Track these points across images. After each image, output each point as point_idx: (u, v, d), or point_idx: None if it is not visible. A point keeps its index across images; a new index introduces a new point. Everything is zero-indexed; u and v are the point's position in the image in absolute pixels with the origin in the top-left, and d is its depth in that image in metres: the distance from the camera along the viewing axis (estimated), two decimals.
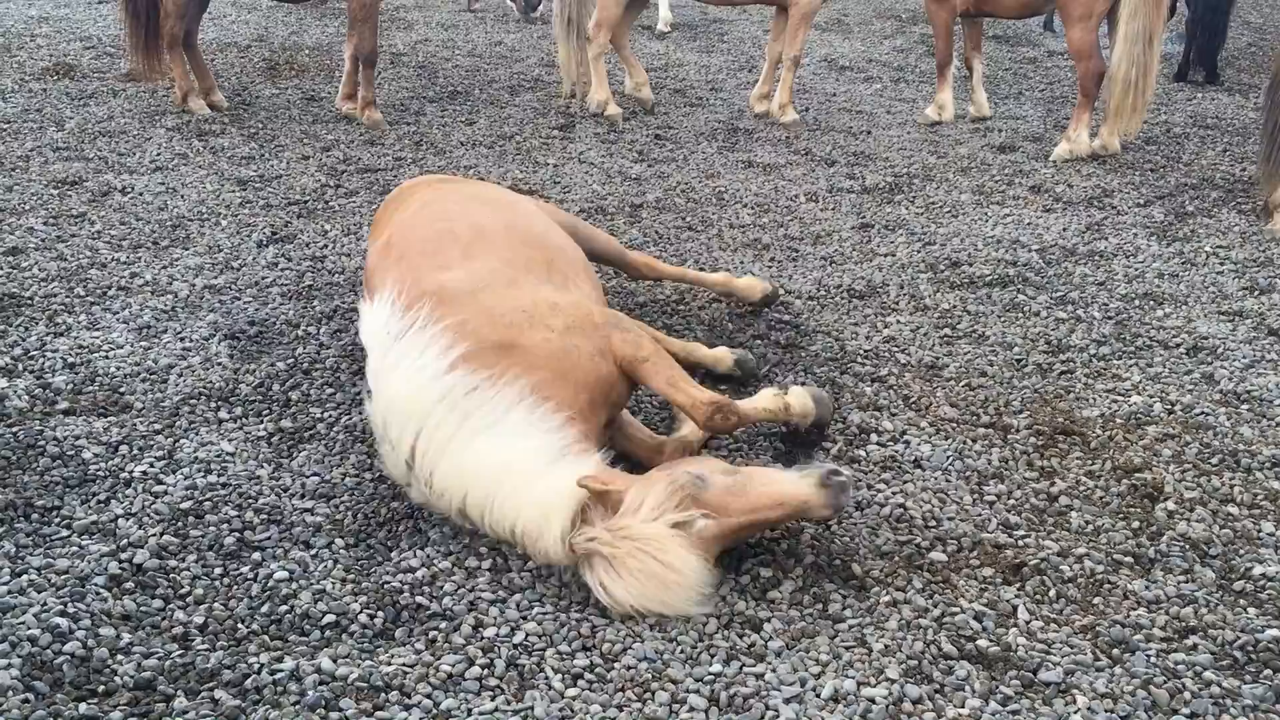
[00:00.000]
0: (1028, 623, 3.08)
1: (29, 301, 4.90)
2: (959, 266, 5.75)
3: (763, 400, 3.76)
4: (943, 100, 8.63)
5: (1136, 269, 5.74)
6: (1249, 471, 3.87)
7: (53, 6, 11.88)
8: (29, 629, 2.85)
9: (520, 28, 11.74)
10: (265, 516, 3.46)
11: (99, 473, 3.62)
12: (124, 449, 3.77)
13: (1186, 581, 3.28)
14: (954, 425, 4.16)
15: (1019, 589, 3.23)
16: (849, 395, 4.35)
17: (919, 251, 5.96)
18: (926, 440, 4.04)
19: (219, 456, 3.77)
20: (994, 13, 8.33)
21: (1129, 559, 3.38)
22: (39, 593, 3.01)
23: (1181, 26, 10.35)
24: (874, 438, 4.05)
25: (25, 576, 3.08)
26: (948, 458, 3.92)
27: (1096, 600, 3.19)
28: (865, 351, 4.76)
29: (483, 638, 2.96)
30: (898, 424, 4.15)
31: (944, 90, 8.62)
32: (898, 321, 5.08)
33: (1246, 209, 6.68)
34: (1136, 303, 5.31)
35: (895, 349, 4.81)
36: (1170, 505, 3.65)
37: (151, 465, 3.68)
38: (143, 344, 4.55)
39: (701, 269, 5.43)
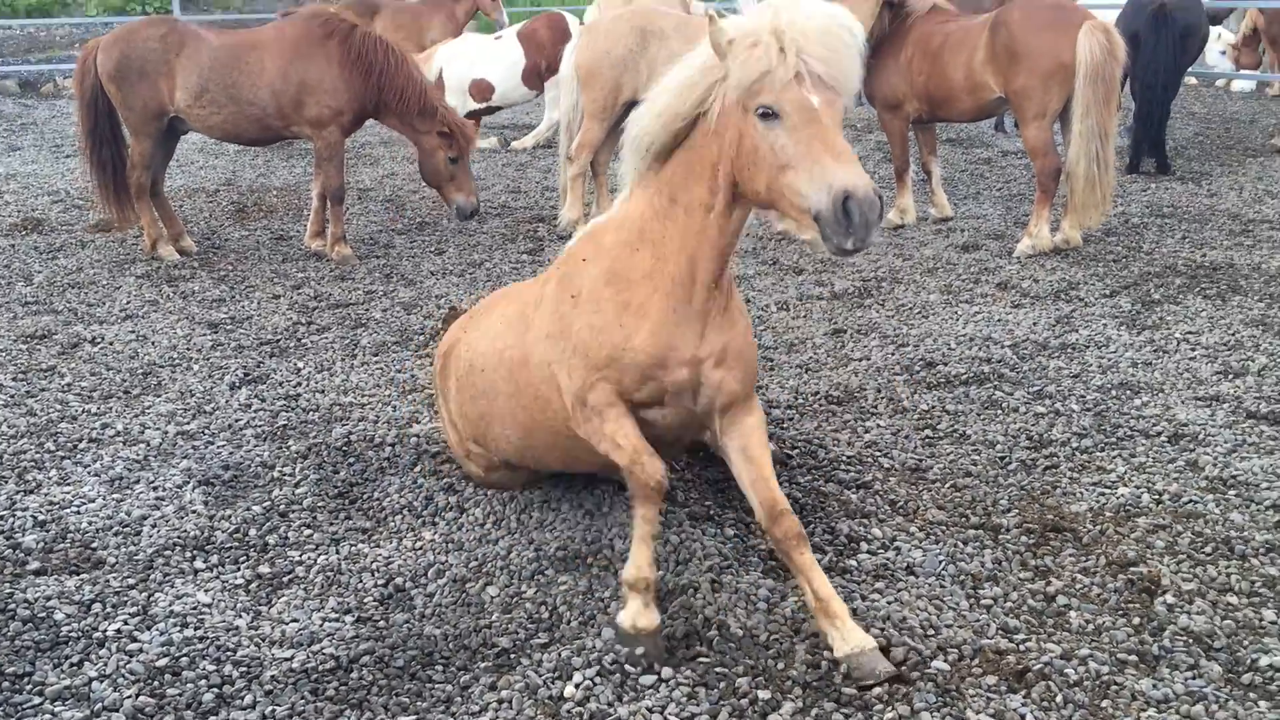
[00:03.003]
0: None
1: None
2: (934, 366, 5.76)
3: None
4: (904, 204, 8.78)
5: (1110, 359, 5.77)
6: (1244, 559, 3.83)
7: (20, 163, 12.02)
8: None
9: (485, 157, 11.94)
10: (244, 669, 3.35)
11: (71, 634, 3.51)
12: (97, 607, 3.66)
13: (1194, 677, 3.21)
14: (944, 528, 4.11)
15: (1025, 696, 3.15)
16: (835, 504, 4.30)
17: (893, 354, 5.98)
18: (917, 545, 3.98)
19: (195, 608, 3.66)
20: (947, 117, 8.53)
21: (1133, 657, 3.31)
22: None
23: (1129, 120, 10.64)
24: (864, 546, 3.99)
25: None
26: (940, 562, 3.86)
27: (1105, 703, 3.11)
28: (848, 458, 4.73)
29: None
30: (887, 530, 4.09)
31: (904, 194, 8.78)
32: (878, 425, 5.07)
33: (1212, 294, 6.77)
34: (1113, 393, 5.33)
35: (878, 453, 4.78)
36: (1169, 598, 3.59)
37: (126, 623, 3.57)
38: (115, 496, 4.46)
39: None
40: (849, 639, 3.25)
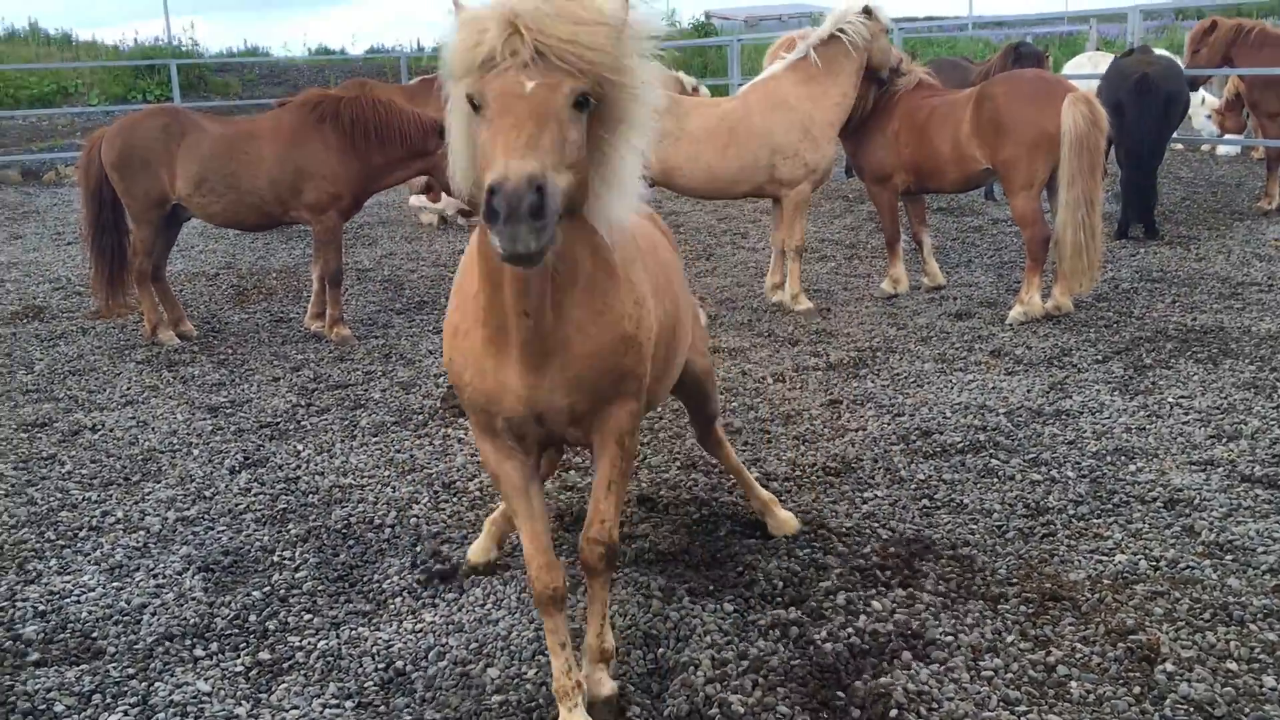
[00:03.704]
0: None
1: None
2: (930, 435, 5.80)
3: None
4: (896, 274, 8.88)
5: (1104, 425, 5.80)
6: (1242, 624, 3.83)
7: (22, 251, 12.17)
8: None
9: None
10: None
11: None
12: (97, 698, 3.65)
13: None
14: (944, 599, 4.12)
15: None
16: (835, 576, 4.30)
17: (890, 424, 6.02)
18: (917, 617, 3.98)
19: (195, 697, 3.66)
20: (935, 189, 8.66)
21: None
22: None
23: (1116, 186, 10.80)
24: (863, 619, 3.99)
25: None
26: (940, 634, 3.86)
27: None
28: (846, 529, 4.74)
29: None
30: (886, 603, 4.09)
31: (896, 264, 8.89)
32: (876, 496, 5.09)
33: (1203, 357, 6.83)
34: (1108, 459, 5.35)
35: (876, 524, 4.79)
36: (1169, 666, 3.59)
37: (126, 714, 3.56)
38: (115, 584, 4.47)
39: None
40: (600, 688, 3.46)
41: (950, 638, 3.84)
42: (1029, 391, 6.40)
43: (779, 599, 4.18)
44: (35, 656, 3.93)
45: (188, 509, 5.22)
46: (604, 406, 3.23)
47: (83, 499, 5.36)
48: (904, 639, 3.85)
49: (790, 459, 5.58)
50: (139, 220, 7.94)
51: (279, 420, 6.47)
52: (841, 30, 8.19)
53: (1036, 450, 5.51)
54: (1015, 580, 4.24)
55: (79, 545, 4.85)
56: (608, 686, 3.52)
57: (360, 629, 4.09)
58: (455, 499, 5.24)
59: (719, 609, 4.11)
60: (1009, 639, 3.83)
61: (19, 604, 4.31)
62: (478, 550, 4.52)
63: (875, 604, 4.09)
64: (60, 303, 9.57)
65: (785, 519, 4.75)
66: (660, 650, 3.86)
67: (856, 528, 4.76)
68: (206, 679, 3.77)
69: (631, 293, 3.20)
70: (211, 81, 25.24)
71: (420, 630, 4.06)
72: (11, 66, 23.29)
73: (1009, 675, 3.62)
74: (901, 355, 7.29)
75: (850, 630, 3.91)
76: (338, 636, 4.03)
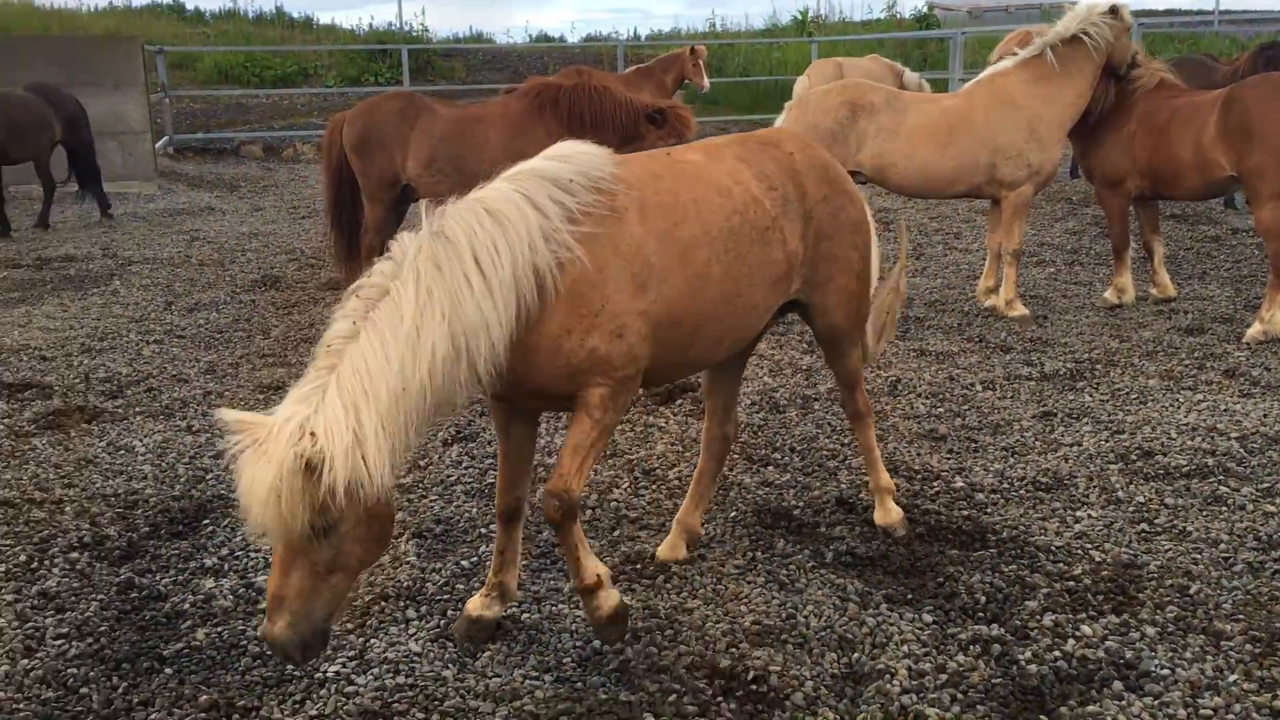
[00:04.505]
0: None
1: (236, 502, 5.18)
2: (1152, 456, 5.50)
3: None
4: (1122, 283, 8.45)
5: None
6: None
7: (261, 223, 13.03)
8: None
9: None
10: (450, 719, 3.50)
11: (295, 673, 3.74)
12: None
13: None
14: (1161, 630, 3.91)
15: None
16: (1042, 596, 4.15)
17: (1107, 441, 5.75)
18: (1130, 646, 3.80)
19: (406, 656, 3.85)
20: (1171, 195, 8.19)
21: None
22: None
23: None
24: (1070, 642, 3.84)
25: None
26: (1155, 666, 3.67)
27: None
28: (1055, 548, 4.56)
29: None
30: (1096, 628, 3.93)
31: (1123, 273, 8.45)
32: (1089, 516, 4.87)
33: None
34: None
35: (1088, 545, 4.59)
36: None
37: (344, 665, 3.78)
38: None
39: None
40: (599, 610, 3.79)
41: (1167, 671, 3.65)
42: (1266, 416, 5.99)
43: (980, 614, 4.07)
44: (265, 605, 4.21)
45: (404, 477, 5.48)
46: (570, 390, 3.57)
47: None
48: (1115, 668, 3.69)
49: (998, 470, 5.41)
50: (372, 199, 8.37)
51: None
52: (1085, 32, 7.81)
53: (1272, 479, 5.16)
54: (1241, 616, 3.99)
55: None
56: (604, 607, 3.80)
57: (560, 605, 4.21)
58: (655, 486, 5.32)
59: (917, 619, 4.03)
60: (1231, 678, 3.61)
61: (253, 554, 4.64)
62: (666, 548, 4.58)
63: (1085, 628, 3.93)
64: (295, 274, 10.20)
65: (894, 514, 4.75)
66: (855, 655, 3.82)
67: (1067, 547, 4.58)
68: (417, 640, 3.96)
69: (579, 308, 3.49)
70: (438, 66, 26.31)
71: None
72: (259, 48, 24.92)
73: (1230, 717, 3.42)
74: (1123, 369, 6.94)
75: (1058, 653, 3.77)
76: (539, 611, 4.16)
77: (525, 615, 4.13)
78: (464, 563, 4.54)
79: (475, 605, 3.99)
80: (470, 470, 5.56)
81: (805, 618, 4.06)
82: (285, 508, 2.92)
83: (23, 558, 4.61)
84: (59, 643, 3.96)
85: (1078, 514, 4.90)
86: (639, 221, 3.65)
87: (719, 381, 4.59)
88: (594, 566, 3.79)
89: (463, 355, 3.21)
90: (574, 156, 3.69)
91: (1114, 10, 7.82)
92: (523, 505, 4.04)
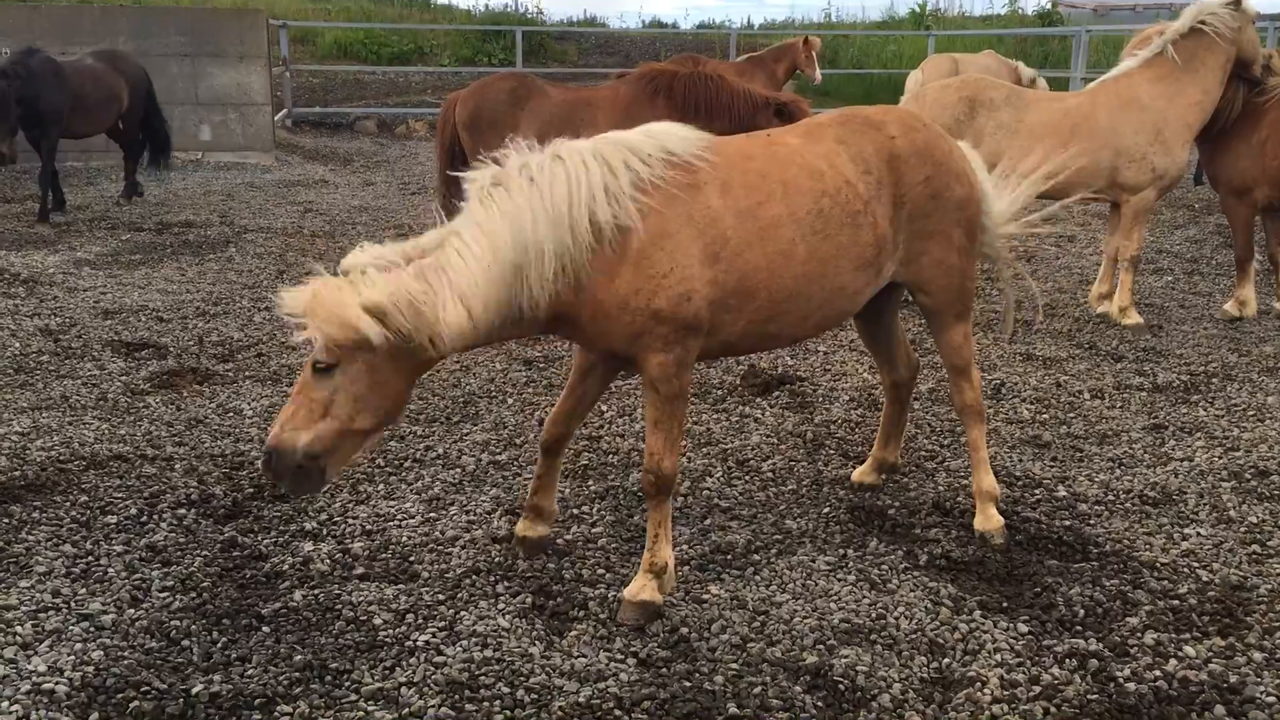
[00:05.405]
0: None
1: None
2: (1268, 476, 5.29)
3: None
4: (1244, 296, 8.12)
5: None
6: None
7: (372, 197, 13.29)
8: None
9: None
10: (535, 696, 3.52)
11: (386, 639, 3.81)
12: (410, 618, 3.96)
13: None
14: (1267, 657, 3.76)
15: None
16: (1144, 613, 4.03)
17: (1220, 457, 5.54)
18: (1236, 670, 3.66)
19: (495, 631, 3.89)
20: None
21: None
22: None
23: None
24: (1172, 662, 3.72)
25: None
26: (1263, 693, 3.53)
27: None
28: (1161, 565, 4.42)
29: None
30: (1200, 650, 3.79)
31: (1245, 285, 8.12)
32: (1198, 534, 4.71)
33: None
34: None
35: (1195, 564, 4.44)
36: None
37: (434, 635, 3.84)
38: (432, 515, 4.82)
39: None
40: (641, 593, 3.98)
41: (1273, 699, 3.51)
42: None
43: (1078, 627, 3.96)
44: (360, 571, 4.31)
45: (499, 454, 5.55)
46: (634, 352, 3.82)
47: (409, 433, 5.81)
48: (1218, 691, 3.56)
49: (1103, 481, 5.25)
50: None
51: None
52: (1203, 23, 7.53)
53: None
54: None
55: (403, 475, 5.27)
56: (647, 592, 3.97)
57: None
58: (748, 477, 5.29)
59: (1012, 628, 3.94)
60: None
61: (350, 521, 4.74)
62: (862, 473, 5.16)
63: (1189, 649, 3.80)
64: None
65: (994, 521, 4.64)
66: (945, 660, 3.76)
67: (1173, 564, 4.43)
68: (505, 615, 4.00)
69: (646, 269, 3.72)
70: (550, 48, 26.51)
71: (705, 601, 4.13)
72: (378, 25, 25.38)
73: None
74: (1241, 385, 6.68)
75: (1158, 673, 3.66)
76: None
77: (613, 595, 4.14)
78: (556, 541, 4.57)
79: (522, 526, 4.46)
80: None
81: (896, 619, 4.00)
82: (322, 307, 3.53)
83: (133, 510, 4.78)
84: (164, 595, 4.10)
85: (1186, 531, 4.74)
86: (719, 196, 3.85)
87: (871, 339, 5.03)
88: (667, 554, 4.04)
89: (523, 269, 3.62)
90: (660, 134, 3.93)
91: (1235, 1, 7.51)
92: (564, 442, 4.45)
